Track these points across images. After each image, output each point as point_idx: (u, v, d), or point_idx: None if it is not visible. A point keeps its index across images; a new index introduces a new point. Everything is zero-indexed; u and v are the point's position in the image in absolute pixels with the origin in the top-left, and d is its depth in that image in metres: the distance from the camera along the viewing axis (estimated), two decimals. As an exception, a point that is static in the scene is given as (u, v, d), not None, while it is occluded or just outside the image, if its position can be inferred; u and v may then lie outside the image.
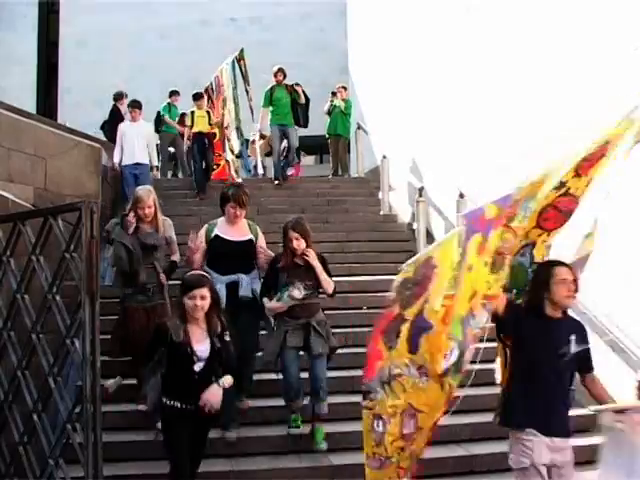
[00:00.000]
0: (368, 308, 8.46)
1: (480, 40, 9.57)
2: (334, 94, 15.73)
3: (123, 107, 14.14)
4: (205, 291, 4.91)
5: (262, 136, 15.59)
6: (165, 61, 21.18)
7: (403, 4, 13.14)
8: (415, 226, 10.75)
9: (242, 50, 13.69)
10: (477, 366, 7.20)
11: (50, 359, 3.74)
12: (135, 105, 12.30)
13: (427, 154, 11.66)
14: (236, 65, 13.61)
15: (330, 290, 6.44)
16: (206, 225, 6.76)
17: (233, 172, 13.22)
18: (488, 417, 6.48)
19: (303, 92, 14.30)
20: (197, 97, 13.70)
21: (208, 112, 13.62)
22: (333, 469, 5.77)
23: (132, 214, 6.60)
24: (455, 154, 10.40)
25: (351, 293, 8.81)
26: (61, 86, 22.40)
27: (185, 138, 13.97)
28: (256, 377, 6.96)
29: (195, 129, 13.30)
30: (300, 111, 14.27)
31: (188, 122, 13.58)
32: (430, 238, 11.00)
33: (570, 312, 4.88)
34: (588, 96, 7.10)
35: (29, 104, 19.26)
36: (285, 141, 14.19)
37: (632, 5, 6.67)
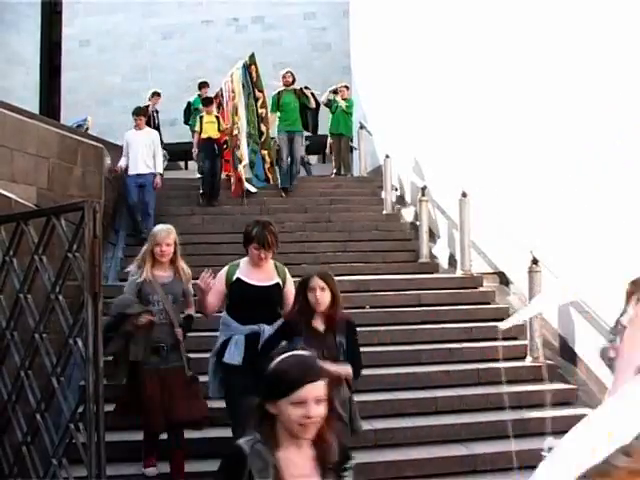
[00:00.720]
0: (370, 307, 8.46)
1: (483, 39, 9.56)
2: (335, 92, 15.59)
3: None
4: (322, 388, 2.57)
5: None
6: (167, 61, 21.17)
7: (406, 4, 13.14)
8: (418, 225, 10.73)
9: (252, 55, 12.79)
10: (481, 365, 7.28)
11: (53, 359, 3.75)
12: (140, 112, 11.90)
13: (430, 153, 11.65)
14: (246, 71, 12.63)
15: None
16: (227, 266, 5.78)
17: (245, 185, 12.35)
18: (490, 416, 6.54)
19: (313, 95, 13.79)
20: (207, 102, 13.13)
21: (217, 118, 12.98)
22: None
23: (145, 318, 5.53)
24: (458, 153, 10.39)
25: (353, 292, 8.81)
26: (64, 86, 22.38)
27: (194, 144, 13.32)
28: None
29: (204, 135, 12.68)
30: (310, 116, 13.84)
31: (197, 128, 12.97)
32: (433, 237, 11.02)
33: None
34: (590, 95, 7.09)
35: (32, 104, 19.26)
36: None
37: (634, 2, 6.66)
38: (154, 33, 22.02)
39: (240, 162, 12.39)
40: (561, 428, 5.52)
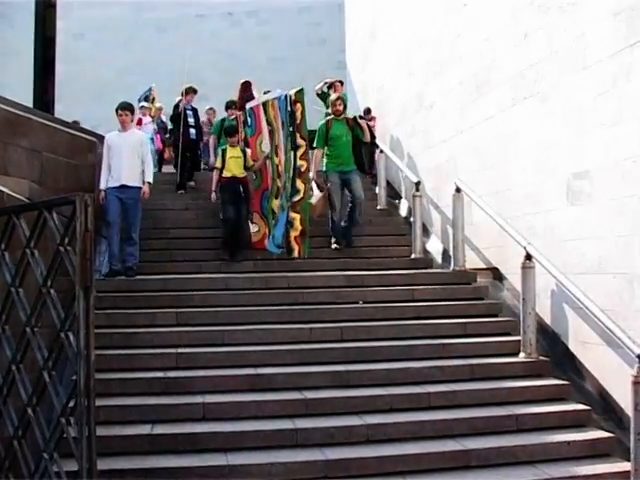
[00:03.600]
0: (364, 303, 8.46)
1: (476, 33, 9.54)
2: (330, 87, 15.45)
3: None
4: None
5: (319, 187, 11.11)
6: (162, 55, 21.13)
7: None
8: (412, 220, 10.73)
9: (301, 91, 9.81)
10: (474, 361, 7.28)
11: (45, 353, 3.73)
12: (126, 107, 9.57)
13: (424, 148, 11.66)
14: (289, 108, 9.78)
15: None
16: None
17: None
18: (484, 412, 6.55)
19: (368, 127, 11.34)
20: (231, 132, 10.82)
21: (244, 152, 10.70)
22: (327, 463, 5.76)
23: None
24: (451, 148, 10.40)
25: (347, 288, 8.82)
26: (58, 80, 22.34)
27: (213, 186, 10.86)
28: (253, 371, 6.98)
29: (226, 173, 10.52)
30: (364, 152, 11.19)
31: (218, 164, 10.71)
32: (427, 232, 11.03)
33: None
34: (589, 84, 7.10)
35: (26, 98, 19.20)
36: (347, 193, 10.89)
37: None
38: (148, 27, 22.00)
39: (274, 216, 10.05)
40: (554, 424, 5.59)
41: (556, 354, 7.49)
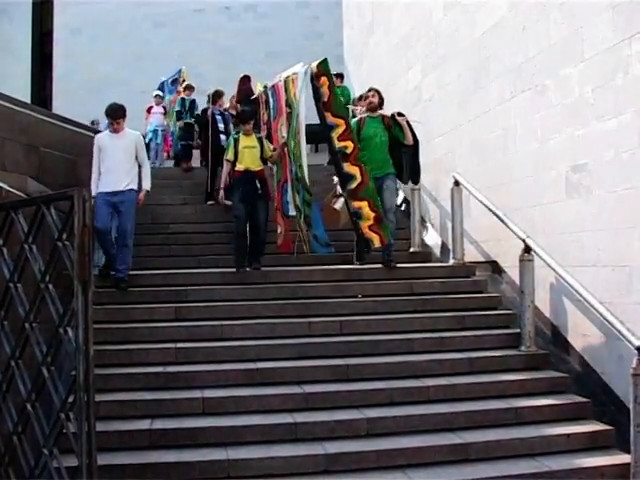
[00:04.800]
0: (363, 296, 8.45)
1: (474, 27, 9.53)
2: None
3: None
4: None
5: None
6: (159, 49, 21.10)
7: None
8: (410, 214, 10.72)
9: (325, 62, 8.09)
10: (473, 354, 7.28)
11: (44, 348, 3.73)
12: (117, 116, 8.45)
13: (423, 142, 11.64)
14: (311, 83, 8.23)
15: None
16: None
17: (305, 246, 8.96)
18: (483, 405, 6.55)
19: (409, 125, 9.29)
20: (246, 118, 9.21)
21: (261, 140, 9.22)
22: (327, 457, 5.77)
23: None
24: (449, 142, 10.39)
25: (346, 281, 8.80)
26: (55, 75, 22.24)
27: (222, 182, 9.55)
28: (253, 365, 6.99)
29: (240, 166, 9.00)
30: (405, 156, 9.37)
31: (229, 155, 9.16)
32: (425, 226, 11.03)
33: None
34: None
35: (24, 93, 19.11)
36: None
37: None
38: (146, 22, 21.96)
39: (301, 214, 8.86)
40: (553, 417, 5.59)
41: (555, 347, 7.50)
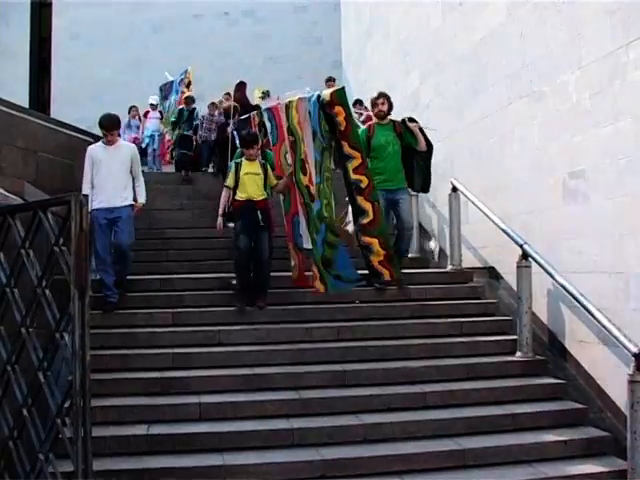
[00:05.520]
0: (360, 302, 8.45)
1: (472, 33, 9.55)
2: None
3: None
4: None
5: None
6: (158, 54, 21.10)
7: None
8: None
9: (342, 91, 7.43)
10: (470, 360, 7.28)
11: (40, 354, 3.73)
12: (112, 127, 8.10)
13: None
14: (323, 112, 7.45)
15: None
16: None
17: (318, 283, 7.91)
18: (480, 411, 6.55)
19: (422, 132, 8.76)
20: (249, 142, 8.38)
21: (265, 167, 8.42)
22: (324, 463, 5.76)
23: None
24: (447, 148, 10.40)
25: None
26: (54, 79, 22.28)
27: (220, 209, 8.53)
28: (249, 371, 6.98)
29: (241, 195, 8.27)
30: (417, 165, 8.85)
31: (229, 182, 8.39)
32: (423, 231, 11.03)
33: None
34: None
35: (22, 98, 19.17)
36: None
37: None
38: (144, 26, 21.97)
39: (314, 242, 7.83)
40: (550, 423, 5.60)
41: (552, 353, 7.49)
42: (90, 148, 8.17)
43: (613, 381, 6.37)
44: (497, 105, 8.80)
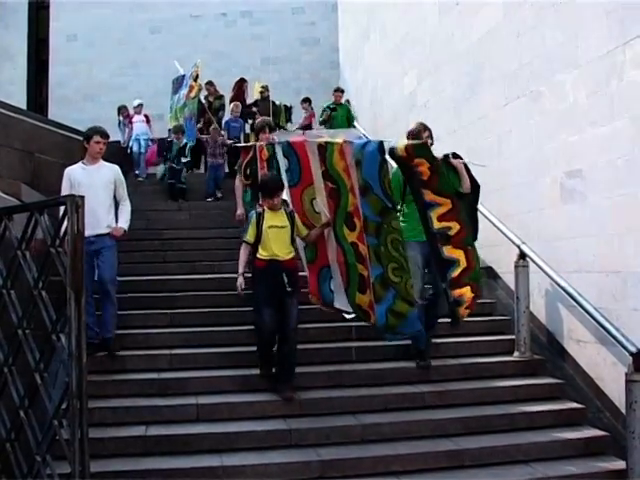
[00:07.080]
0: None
1: (469, 33, 9.55)
2: (330, 108, 14.60)
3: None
4: None
5: None
6: (156, 56, 21.04)
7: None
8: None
9: (423, 147, 6.56)
10: (468, 360, 7.28)
11: (37, 355, 3.72)
12: (106, 134, 7.41)
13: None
14: (385, 166, 6.30)
15: None
16: None
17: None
18: (478, 411, 6.54)
19: (467, 169, 7.06)
20: (273, 189, 6.72)
21: (292, 216, 6.88)
22: (322, 464, 5.76)
23: None
24: (444, 148, 10.38)
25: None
26: (51, 81, 22.24)
27: (240, 268, 6.77)
28: (247, 372, 6.97)
29: (263, 253, 6.70)
30: (462, 207, 6.79)
31: (248, 236, 6.75)
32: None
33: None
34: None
35: (20, 99, 19.13)
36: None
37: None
38: (142, 28, 21.90)
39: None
40: (548, 423, 5.58)
41: (550, 353, 7.49)
42: (69, 169, 7.27)
43: (611, 380, 6.38)
44: (494, 105, 8.81)
